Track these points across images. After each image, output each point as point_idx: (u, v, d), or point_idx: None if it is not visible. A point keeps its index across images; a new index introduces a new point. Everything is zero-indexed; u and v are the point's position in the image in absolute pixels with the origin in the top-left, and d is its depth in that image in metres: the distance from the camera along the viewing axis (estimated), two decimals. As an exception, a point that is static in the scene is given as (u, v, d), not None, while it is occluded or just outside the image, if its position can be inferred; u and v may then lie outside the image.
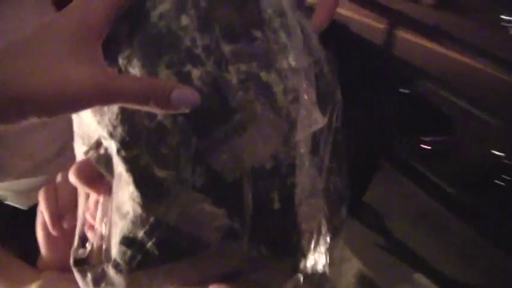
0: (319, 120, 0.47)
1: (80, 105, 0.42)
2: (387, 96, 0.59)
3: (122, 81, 0.43)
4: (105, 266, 0.50)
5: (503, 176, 2.78)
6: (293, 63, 0.47)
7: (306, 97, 0.47)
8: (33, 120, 0.42)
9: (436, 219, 1.93)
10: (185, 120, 0.44)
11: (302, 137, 0.47)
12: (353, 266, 0.73)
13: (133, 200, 0.47)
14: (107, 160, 0.49)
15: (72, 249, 0.53)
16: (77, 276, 0.52)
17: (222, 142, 0.45)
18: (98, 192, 0.50)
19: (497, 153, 2.93)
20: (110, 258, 0.49)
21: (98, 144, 0.50)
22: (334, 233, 0.53)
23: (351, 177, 0.52)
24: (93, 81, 0.42)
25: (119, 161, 0.47)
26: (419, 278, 1.43)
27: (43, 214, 0.66)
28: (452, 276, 1.59)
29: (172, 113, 0.44)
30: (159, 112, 0.44)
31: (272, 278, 0.52)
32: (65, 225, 0.65)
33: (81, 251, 0.53)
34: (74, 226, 0.61)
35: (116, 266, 0.49)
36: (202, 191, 0.45)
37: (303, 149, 0.47)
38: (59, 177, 0.66)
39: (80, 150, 0.53)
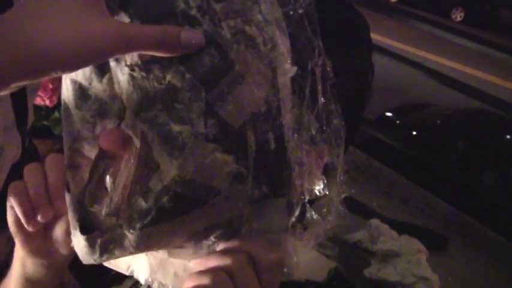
0: (294, 67, 0.53)
1: (103, 55, 0.44)
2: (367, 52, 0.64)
3: (138, 28, 0.46)
4: (116, 227, 0.51)
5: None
6: (266, 15, 0.50)
7: (282, 46, 0.51)
8: (57, 74, 0.43)
9: (369, 169, 2.07)
10: (192, 76, 0.48)
11: (283, 81, 0.51)
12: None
13: (155, 156, 0.49)
14: (131, 125, 0.50)
15: (75, 217, 0.53)
16: (83, 245, 0.52)
17: (227, 93, 0.48)
18: (128, 154, 0.51)
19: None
20: (125, 214, 0.51)
21: (117, 113, 0.51)
22: (331, 168, 0.58)
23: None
24: (113, 31, 0.44)
25: (139, 123, 0.49)
26: (375, 222, 1.55)
27: (13, 210, 0.61)
28: (400, 219, 1.72)
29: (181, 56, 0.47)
30: (169, 55, 0.46)
31: (272, 223, 0.54)
32: (41, 218, 0.61)
33: (93, 211, 0.53)
34: (50, 218, 0.62)
35: (130, 223, 0.50)
36: (214, 140, 0.48)
37: (285, 92, 0.51)
38: (26, 171, 0.63)
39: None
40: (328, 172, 0.58)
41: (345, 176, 0.60)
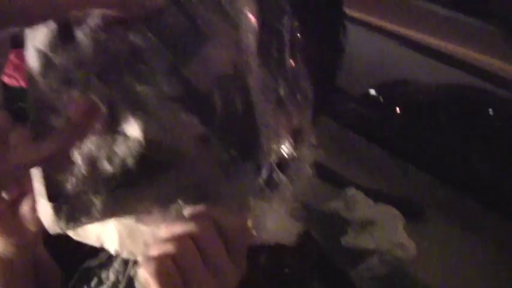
0: (255, 28, 0.53)
1: (58, 10, 0.43)
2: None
3: None
4: (82, 193, 0.51)
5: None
6: None
7: (247, 7, 0.52)
8: (15, 26, 0.42)
9: (345, 140, 2.07)
10: (156, 36, 0.47)
11: (249, 42, 0.51)
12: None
13: (118, 117, 0.49)
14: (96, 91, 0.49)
15: (42, 185, 0.51)
16: (49, 213, 0.51)
17: (192, 53, 0.48)
18: (95, 121, 0.50)
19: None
20: (90, 179, 0.50)
21: (84, 81, 0.50)
22: (300, 131, 0.59)
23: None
24: None
25: (105, 86, 0.49)
26: (351, 191, 1.56)
27: None
28: (376, 188, 1.73)
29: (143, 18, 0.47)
30: (129, 15, 0.46)
31: (241, 187, 0.55)
32: (6, 196, 0.61)
33: (59, 178, 0.52)
34: (16, 195, 0.61)
35: (95, 188, 0.50)
36: (178, 101, 0.48)
37: (252, 53, 0.51)
38: None
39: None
40: (296, 135, 0.58)
41: (314, 140, 0.59)
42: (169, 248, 0.51)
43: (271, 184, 0.58)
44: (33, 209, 0.58)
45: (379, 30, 2.67)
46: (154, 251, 0.52)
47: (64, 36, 0.49)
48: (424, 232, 1.63)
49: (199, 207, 0.53)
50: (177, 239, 0.51)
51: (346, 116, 2.36)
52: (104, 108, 0.49)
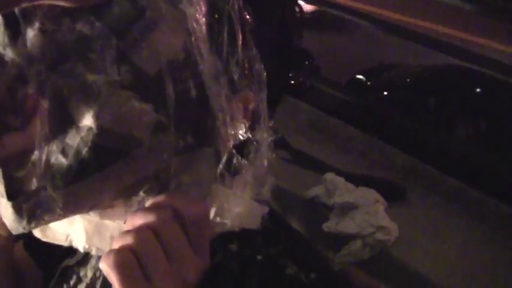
0: (204, 12, 0.52)
1: (6, 2, 0.43)
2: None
3: None
4: (41, 190, 0.50)
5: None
6: None
7: None
8: None
9: (326, 127, 2.07)
10: (103, 24, 0.47)
11: (198, 27, 0.50)
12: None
13: (70, 109, 0.48)
14: (39, 84, 0.49)
15: (1, 184, 0.51)
16: (10, 213, 0.51)
17: (140, 39, 0.48)
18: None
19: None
20: (47, 174, 0.50)
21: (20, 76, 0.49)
22: (255, 114, 0.58)
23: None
24: None
25: (55, 79, 0.48)
26: (330, 176, 1.56)
27: None
28: (355, 172, 1.73)
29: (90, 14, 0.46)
30: (76, 4, 0.46)
31: (201, 174, 0.54)
32: None
33: (18, 177, 0.51)
34: None
35: (53, 182, 0.49)
36: (129, 88, 0.48)
37: (201, 38, 0.50)
38: None
39: None
40: (253, 118, 0.57)
41: (270, 121, 0.59)
42: (128, 239, 0.50)
43: (231, 169, 0.57)
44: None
45: (360, 15, 2.68)
46: (115, 244, 0.51)
47: (13, 32, 0.49)
48: (407, 214, 1.64)
49: (159, 197, 0.52)
50: (136, 231, 0.51)
51: (326, 100, 2.36)
52: (45, 102, 0.48)
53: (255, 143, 0.58)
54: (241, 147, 0.56)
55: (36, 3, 0.44)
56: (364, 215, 1.46)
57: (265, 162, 0.59)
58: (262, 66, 0.55)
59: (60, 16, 0.47)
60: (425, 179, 1.84)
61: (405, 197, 1.72)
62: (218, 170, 0.55)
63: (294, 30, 0.62)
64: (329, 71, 2.94)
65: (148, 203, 0.52)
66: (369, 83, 3.10)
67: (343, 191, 1.48)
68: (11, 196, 0.50)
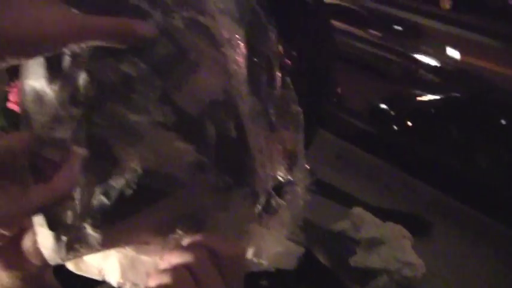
0: (244, 55, 0.53)
1: (56, 43, 0.44)
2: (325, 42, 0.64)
3: (91, 18, 0.46)
4: (81, 225, 0.51)
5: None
6: (219, 6, 0.51)
7: (236, 35, 0.52)
8: (11, 60, 0.42)
9: (351, 158, 2.07)
10: (146, 66, 0.48)
11: (238, 69, 0.51)
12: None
13: (114, 150, 0.49)
14: (77, 130, 0.50)
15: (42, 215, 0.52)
16: (50, 243, 0.52)
17: (182, 80, 0.49)
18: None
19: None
20: (88, 214, 0.51)
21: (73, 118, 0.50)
22: (293, 156, 0.59)
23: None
24: (68, 19, 0.44)
25: (97, 119, 0.49)
26: (358, 210, 1.55)
27: None
28: (383, 206, 1.72)
29: (135, 49, 0.47)
30: (123, 45, 0.47)
31: (238, 213, 0.55)
32: (6, 233, 0.61)
33: (58, 210, 0.52)
34: (16, 231, 0.61)
35: (93, 221, 0.51)
36: (172, 129, 0.49)
37: (242, 80, 0.52)
38: None
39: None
40: (291, 159, 0.58)
41: (308, 163, 0.59)
42: (165, 278, 0.52)
43: (269, 209, 0.57)
44: (36, 243, 0.59)
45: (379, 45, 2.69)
46: (152, 282, 0.52)
47: (53, 75, 0.50)
48: (433, 249, 1.62)
49: (196, 237, 0.53)
50: (173, 270, 0.52)
51: (352, 132, 2.37)
52: (81, 150, 0.49)
53: (291, 184, 0.58)
54: (278, 188, 0.57)
55: (82, 43, 0.45)
56: (391, 250, 1.45)
57: (301, 203, 0.60)
58: (299, 108, 0.55)
59: (104, 56, 0.48)
60: (451, 213, 1.82)
61: (431, 231, 1.70)
62: (256, 210, 0.55)
63: (330, 67, 0.63)
64: (352, 100, 2.94)
65: (185, 241, 0.53)
66: (392, 112, 3.09)
67: (370, 225, 1.47)
68: (51, 227, 0.51)
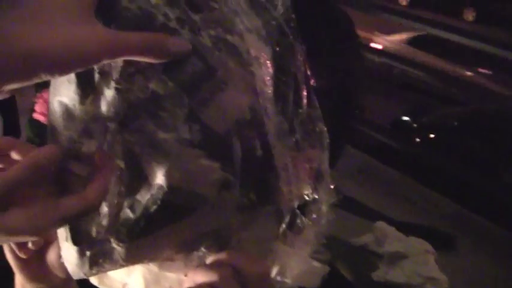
0: (271, 73, 0.53)
1: (90, 59, 0.44)
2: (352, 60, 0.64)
3: (125, 34, 0.46)
4: (106, 239, 0.51)
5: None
6: (246, 24, 0.51)
7: (263, 53, 0.51)
8: (45, 77, 0.43)
9: (374, 172, 2.07)
10: (175, 84, 0.48)
11: (265, 87, 0.51)
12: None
13: (142, 167, 0.50)
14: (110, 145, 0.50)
15: (66, 229, 0.52)
16: (73, 258, 0.52)
17: (209, 99, 0.49)
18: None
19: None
20: (113, 228, 0.51)
21: (102, 133, 0.50)
22: (318, 175, 0.58)
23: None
24: (101, 36, 0.44)
25: (127, 136, 0.49)
26: (381, 225, 1.55)
27: None
28: (406, 220, 1.72)
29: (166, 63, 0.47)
30: (157, 61, 0.47)
31: (262, 231, 0.55)
32: (31, 246, 0.62)
33: (83, 224, 0.52)
34: (42, 245, 0.62)
35: (118, 236, 0.50)
36: (199, 147, 0.48)
37: (268, 98, 0.51)
38: None
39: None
40: (316, 177, 0.58)
41: (333, 181, 0.60)
42: None
43: (294, 228, 0.58)
44: (60, 256, 0.61)
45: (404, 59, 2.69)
46: None
47: (84, 91, 0.50)
48: (457, 265, 1.61)
49: (221, 255, 0.54)
50: None
51: (374, 145, 2.37)
52: (120, 162, 0.50)
53: (316, 202, 0.59)
54: (303, 206, 0.57)
55: (116, 58, 0.46)
56: (414, 265, 1.45)
57: (326, 222, 0.60)
58: (325, 128, 0.56)
59: (134, 74, 0.49)
60: (475, 228, 1.81)
61: (455, 247, 1.69)
62: (281, 229, 0.56)
63: (356, 85, 0.63)
64: (374, 113, 2.95)
65: (209, 259, 0.54)
66: (414, 124, 3.07)
67: (393, 240, 1.47)
68: (76, 241, 0.52)
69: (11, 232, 0.49)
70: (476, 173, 2.10)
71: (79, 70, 0.46)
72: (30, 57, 0.42)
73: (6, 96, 0.47)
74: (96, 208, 0.50)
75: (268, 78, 0.52)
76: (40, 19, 0.43)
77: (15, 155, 0.52)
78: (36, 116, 2.26)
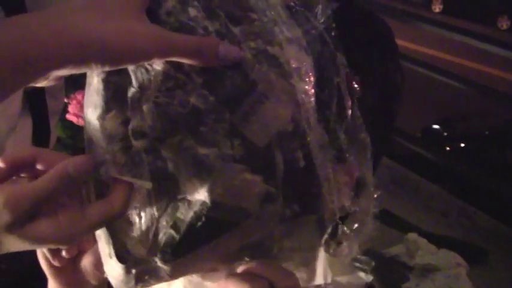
0: (313, 84, 0.52)
1: (142, 55, 0.45)
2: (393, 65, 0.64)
3: (178, 35, 0.47)
4: (150, 258, 0.51)
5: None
6: (287, 35, 0.50)
7: (305, 64, 0.50)
8: (96, 67, 0.44)
9: (407, 183, 2.06)
10: (215, 98, 0.48)
11: (307, 98, 0.50)
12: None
13: (182, 183, 0.49)
14: (137, 163, 0.50)
15: (111, 246, 0.52)
16: (119, 274, 0.52)
17: (251, 113, 0.48)
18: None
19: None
20: (156, 248, 0.51)
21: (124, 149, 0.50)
22: (361, 184, 0.58)
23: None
24: (156, 34, 0.46)
25: (163, 152, 0.49)
26: (413, 236, 1.54)
27: None
28: (438, 233, 1.70)
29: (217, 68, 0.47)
30: (206, 64, 0.47)
31: (304, 241, 0.55)
32: (65, 254, 0.63)
33: (127, 243, 0.52)
34: (75, 253, 0.64)
35: (163, 256, 0.50)
36: (241, 161, 0.48)
37: (310, 109, 0.50)
38: None
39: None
40: (359, 187, 0.58)
41: (377, 192, 0.59)
42: None
43: (336, 237, 0.58)
44: (93, 265, 0.62)
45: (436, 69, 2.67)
46: None
47: (110, 102, 0.50)
48: (489, 279, 1.59)
49: (254, 266, 0.53)
50: None
51: (410, 157, 2.35)
52: (146, 184, 0.50)
53: (359, 212, 0.59)
54: (346, 216, 0.57)
55: (167, 58, 0.47)
56: (445, 278, 1.43)
57: (369, 232, 0.60)
58: (368, 137, 0.56)
59: (173, 89, 0.49)
60: (507, 241, 1.79)
61: (487, 261, 1.67)
62: (323, 239, 0.56)
63: (396, 96, 0.63)
64: (404, 120, 2.90)
65: (241, 268, 0.53)
66: (445, 133, 3.04)
67: (424, 252, 1.46)
68: (121, 260, 0.52)
69: (40, 242, 0.50)
70: (507, 183, 2.07)
71: (129, 64, 0.47)
72: (84, 45, 0.43)
73: (52, 83, 0.48)
74: (122, 213, 0.50)
75: (309, 88, 0.51)
76: (97, 11, 0.45)
77: (40, 166, 0.52)
78: (69, 117, 2.30)
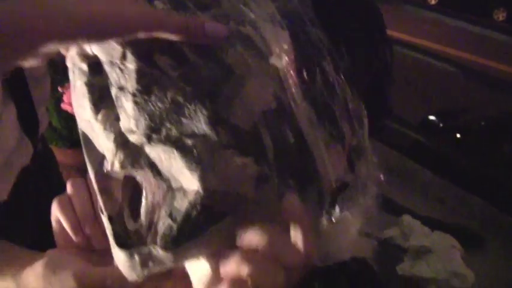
0: (293, 60, 0.52)
1: (127, 28, 0.46)
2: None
3: (166, 11, 0.48)
4: (151, 246, 0.52)
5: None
6: (257, 12, 0.51)
7: (281, 39, 0.51)
8: (82, 41, 0.46)
9: (403, 170, 2.06)
10: (194, 89, 0.48)
11: (288, 73, 0.51)
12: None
13: (175, 175, 0.50)
14: (136, 156, 0.51)
15: (112, 236, 0.54)
16: (124, 261, 0.53)
17: (231, 97, 0.49)
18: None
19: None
20: (156, 236, 0.52)
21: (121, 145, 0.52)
22: (357, 151, 0.58)
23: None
24: (144, 10, 0.47)
25: (153, 146, 0.50)
26: (407, 219, 1.55)
27: (60, 224, 0.66)
28: (433, 216, 1.71)
29: (204, 44, 0.48)
30: (193, 41, 0.47)
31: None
32: (88, 230, 0.66)
33: (131, 225, 0.54)
34: (96, 230, 0.65)
35: (164, 244, 0.51)
36: (229, 146, 0.49)
37: (293, 84, 0.51)
38: (69, 187, 0.67)
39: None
40: (355, 155, 0.58)
41: (376, 158, 0.59)
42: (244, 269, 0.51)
43: (338, 206, 0.57)
44: None
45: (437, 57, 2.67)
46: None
47: (96, 106, 0.52)
48: (484, 264, 1.60)
49: (260, 243, 0.52)
50: (232, 284, 0.51)
51: (403, 142, 2.36)
52: (146, 173, 0.51)
53: (358, 180, 0.58)
54: (346, 185, 0.57)
55: (153, 33, 0.47)
56: (440, 259, 1.44)
57: (373, 196, 0.59)
58: (361, 103, 0.55)
59: (148, 85, 0.49)
60: (503, 226, 1.79)
61: (482, 246, 1.68)
62: (323, 209, 0.56)
63: (386, 79, 0.63)
64: (402, 110, 2.92)
65: (245, 240, 0.52)
66: (441, 124, 3.05)
67: (419, 234, 1.46)
68: (122, 245, 0.54)
69: None
70: (505, 170, 2.08)
71: (116, 38, 0.47)
72: (71, 20, 0.43)
73: (39, 64, 0.49)
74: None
75: (289, 63, 0.51)
76: None
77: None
78: (64, 106, 2.29)
